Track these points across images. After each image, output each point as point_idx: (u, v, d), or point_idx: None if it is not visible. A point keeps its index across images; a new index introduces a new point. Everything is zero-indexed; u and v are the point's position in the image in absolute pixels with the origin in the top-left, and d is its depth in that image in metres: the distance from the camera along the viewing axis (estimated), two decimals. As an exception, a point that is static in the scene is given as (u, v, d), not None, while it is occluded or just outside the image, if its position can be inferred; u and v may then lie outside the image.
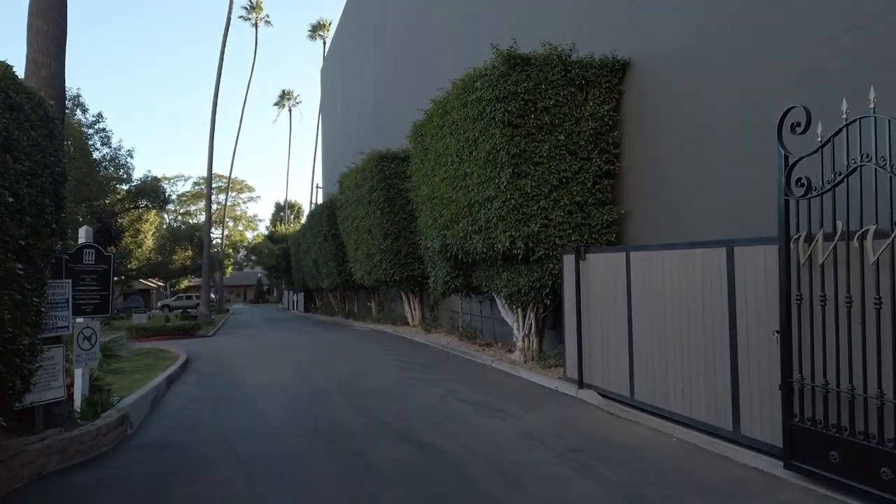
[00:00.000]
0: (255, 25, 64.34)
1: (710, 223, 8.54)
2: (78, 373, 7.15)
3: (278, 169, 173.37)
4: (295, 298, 55.34)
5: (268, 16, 64.94)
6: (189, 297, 55.71)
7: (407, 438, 6.78)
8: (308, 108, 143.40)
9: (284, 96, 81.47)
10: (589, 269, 9.18)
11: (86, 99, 23.41)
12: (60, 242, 5.55)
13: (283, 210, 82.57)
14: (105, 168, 26.46)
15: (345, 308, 35.09)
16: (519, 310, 12.38)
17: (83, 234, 7.32)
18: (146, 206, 41.63)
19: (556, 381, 9.82)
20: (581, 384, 9.11)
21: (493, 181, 10.66)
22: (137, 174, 37.73)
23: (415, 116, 15.38)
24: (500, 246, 10.69)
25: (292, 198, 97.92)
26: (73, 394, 7.14)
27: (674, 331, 7.17)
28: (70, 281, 6.09)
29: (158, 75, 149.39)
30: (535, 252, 10.45)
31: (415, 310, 21.57)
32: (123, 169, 35.28)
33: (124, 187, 37.81)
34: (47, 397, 5.81)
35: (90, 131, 24.86)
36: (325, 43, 67.05)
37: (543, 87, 10.65)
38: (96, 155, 25.30)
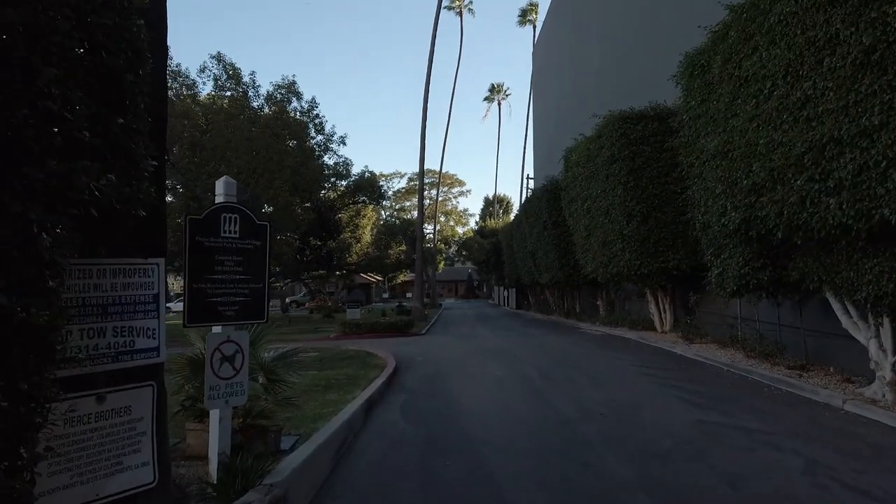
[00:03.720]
0: (460, 14, 63.24)
1: None
2: (213, 417, 4.37)
3: (487, 163, 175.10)
4: (506, 294, 53.09)
5: (471, 2, 63.21)
6: (331, 294, 55.14)
7: None
8: (516, 101, 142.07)
9: (494, 90, 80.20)
10: None
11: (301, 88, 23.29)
12: (110, 178, 2.57)
13: (493, 204, 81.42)
14: (318, 157, 25.84)
15: (563, 306, 31.40)
16: (887, 319, 7.66)
17: (221, 188, 4.52)
18: (363, 201, 41.97)
19: None
20: None
21: (874, 99, 6.15)
22: (355, 170, 37.70)
23: (667, 63, 11.20)
24: (887, 212, 6.16)
25: (501, 192, 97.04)
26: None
27: None
28: (161, 261, 3.20)
29: (371, 75, 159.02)
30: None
31: (665, 311, 17.08)
32: (343, 166, 35.45)
33: (343, 183, 38.21)
34: (110, 491, 2.94)
35: (305, 119, 24.23)
36: (534, 28, 63.96)
37: None
38: (310, 143, 24.64)
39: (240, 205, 4.56)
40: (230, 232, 4.45)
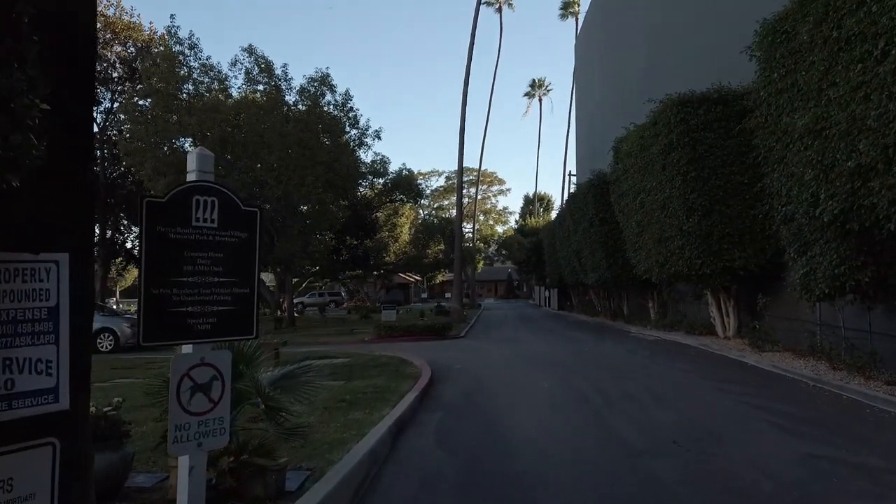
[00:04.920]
0: (499, 10, 61.92)
1: None
2: (181, 466, 3.29)
3: (527, 160, 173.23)
4: (547, 294, 51.65)
5: (511, -3, 61.85)
6: (322, 295, 53.25)
7: None
8: (557, 97, 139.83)
9: (535, 85, 78.56)
10: None
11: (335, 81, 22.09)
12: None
13: (533, 202, 79.86)
14: (353, 152, 24.89)
15: (610, 307, 29.86)
16: None
17: (194, 162, 3.45)
18: (401, 199, 41.11)
19: None
20: None
21: None
22: (392, 168, 36.80)
23: (730, 41, 9.77)
24: None
25: (541, 190, 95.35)
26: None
27: None
28: (63, 257, 2.10)
29: (408, 72, 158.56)
30: None
31: (728, 315, 15.53)
32: (380, 163, 34.63)
33: (380, 181, 37.39)
34: None
35: (339, 113, 23.29)
36: (577, 20, 62.13)
37: None
38: (344, 137, 23.69)
39: (220, 185, 3.48)
40: (206, 220, 3.37)
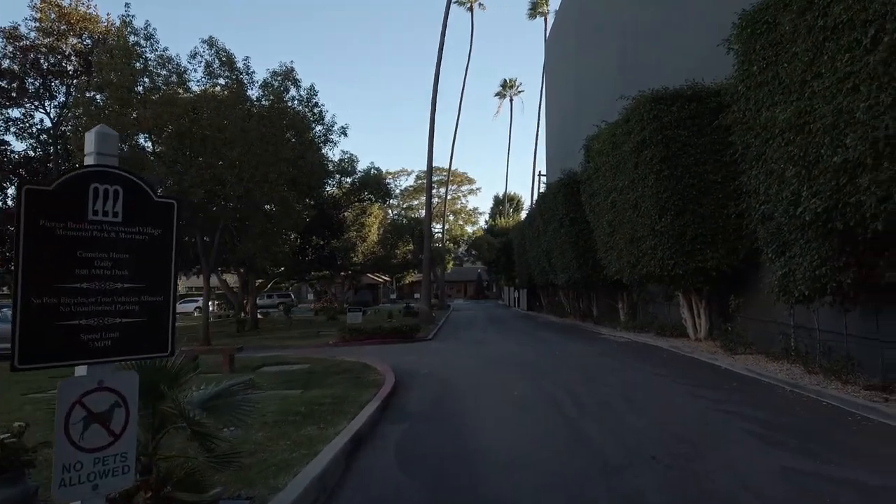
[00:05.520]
0: (471, 9, 61.48)
1: None
2: (70, 514, 2.68)
3: (497, 161, 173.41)
4: (516, 295, 51.46)
5: (482, -4, 61.43)
6: (270, 297, 52.15)
7: None
8: (528, 97, 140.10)
9: (506, 85, 78.52)
10: None
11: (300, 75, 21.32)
12: None
13: (503, 203, 79.71)
14: (319, 148, 24.09)
15: (579, 308, 29.64)
16: None
17: (93, 143, 2.83)
18: (369, 198, 40.30)
19: None
20: None
21: None
22: (360, 167, 36.01)
23: (705, 38, 9.45)
24: None
25: (511, 190, 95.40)
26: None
27: None
28: None
29: (377, 71, 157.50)
30: None
31: (699, 317, 15.27)
32: (348, 162, 33.90)
33: (348, 179, 36.62)
34: None
35: (304, 108, 22.49)
36: (545, 20, 62.08)
37: None
38: (310, 134, 22.87)
39: (126, 171, 2.88)
40: (106, 213, 2.77)
